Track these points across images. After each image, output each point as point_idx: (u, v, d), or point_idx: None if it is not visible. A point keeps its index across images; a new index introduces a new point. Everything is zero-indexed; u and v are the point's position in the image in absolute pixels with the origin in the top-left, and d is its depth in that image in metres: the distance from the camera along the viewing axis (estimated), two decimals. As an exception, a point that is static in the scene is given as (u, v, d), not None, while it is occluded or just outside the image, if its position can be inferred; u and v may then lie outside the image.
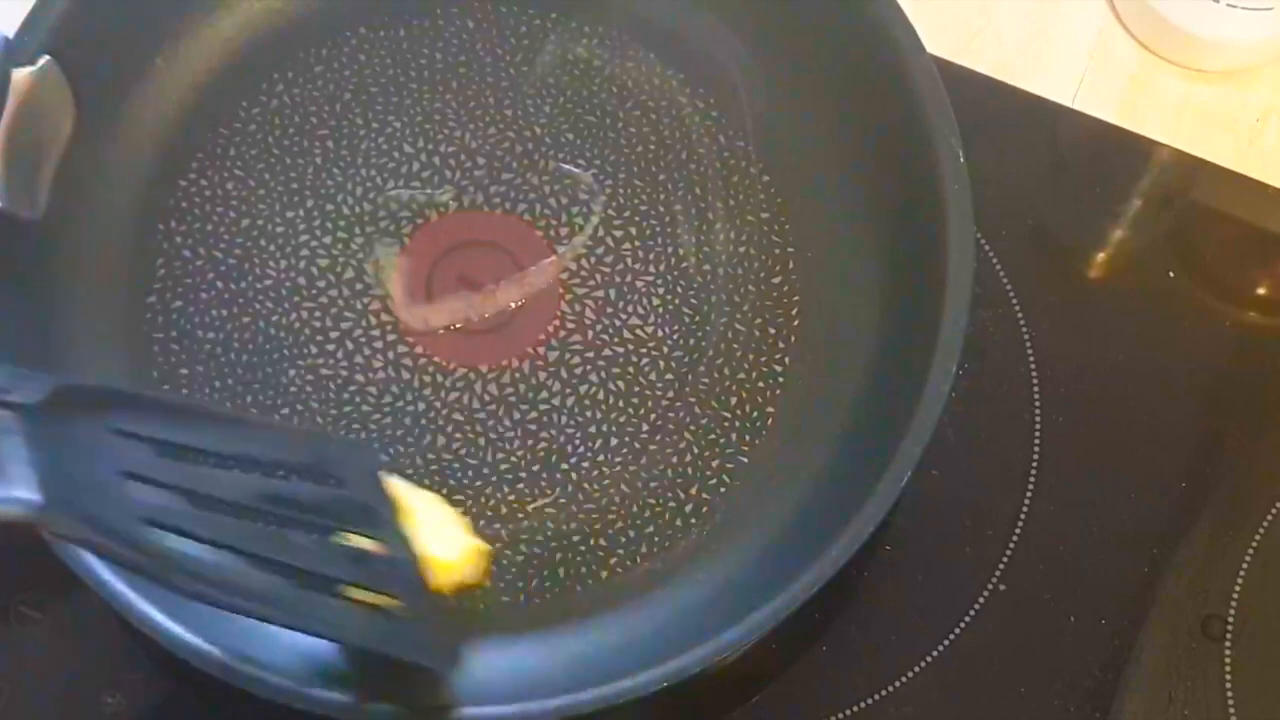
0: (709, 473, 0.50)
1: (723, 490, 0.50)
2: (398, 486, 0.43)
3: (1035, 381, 0.54)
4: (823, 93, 0.52)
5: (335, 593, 0.40)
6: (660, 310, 0.52)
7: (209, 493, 0.38)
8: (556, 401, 0.51)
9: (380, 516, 0.41)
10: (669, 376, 0.51)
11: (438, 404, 0.51)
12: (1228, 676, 0.50)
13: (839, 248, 0.52)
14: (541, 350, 0.51)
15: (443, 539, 0.45)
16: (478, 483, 0.50)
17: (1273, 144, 0.59)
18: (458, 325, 0.52)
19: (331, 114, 0.54)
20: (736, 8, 0.54)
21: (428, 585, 0.43)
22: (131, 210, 0.52)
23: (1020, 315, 0.55)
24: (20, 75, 0.46)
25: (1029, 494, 0.52)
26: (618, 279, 0.52)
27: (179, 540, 0.37)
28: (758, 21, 0.53)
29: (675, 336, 0.52)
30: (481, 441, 0.50)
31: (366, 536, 0.41)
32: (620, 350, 0.52)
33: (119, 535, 0.36)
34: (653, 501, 0.50)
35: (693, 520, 0.50)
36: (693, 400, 0.51)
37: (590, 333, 0.52)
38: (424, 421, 0.51)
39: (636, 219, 0.53)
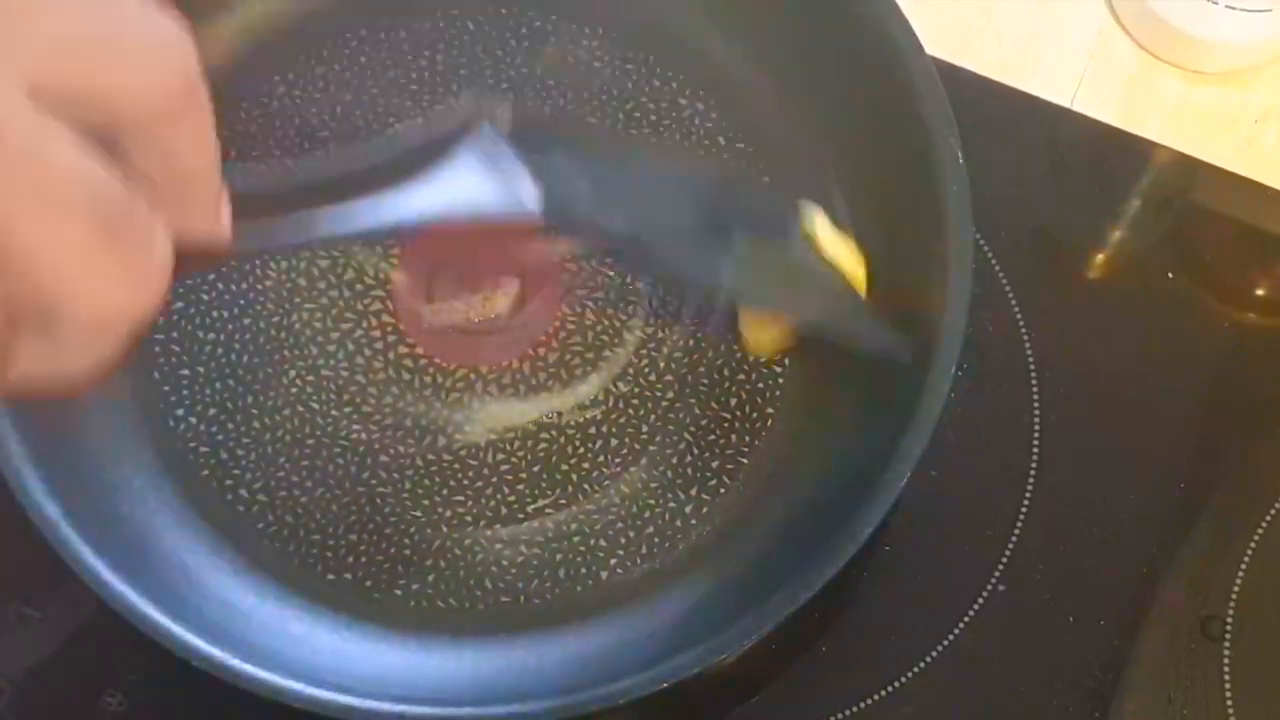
0: (709, 473, 0.50)
1: (722, 491, 0.50)
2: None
3: (1035, 381, 0.54)
4: (822, 94, 0.52)
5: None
6: (660, 311, 0.52)
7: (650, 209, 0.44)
8: (557, 402, 0.51)
9: (791, 231, 0.47)
10: (669, 377, 0.51)
11: (438, 404, 0.51)
12: (1227, 677, 0.50)
13: (839, 248, 0.52)
14: (542, 351, 0.52)
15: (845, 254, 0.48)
16: (478, 483, 0.50)
17: (1272, 145, 0.59)
18: (458, 326, 0.52)
19: (332, 116, 0.54)
20: (736, 10, 0.54)
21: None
22: (132, 211, 0.52)
23: (1020, 315, 0.55)
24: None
25: (1029, 494, 0.52)
26: (618, 280, 0.52)
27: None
28: (757, 23, 0.53)
29: (675, 337, 0.52)
30: (482, 442, 0.50)
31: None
32: (620, 351, 0.52)
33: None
34: (652, 502, 0.50)
35: (693, 520, 0.50)
36: (693, 400, 0.51)
37: (590, 334, 0.52)
38: (424, 422, 0.51)
39: (636, 220, 0.53)
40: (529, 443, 0.51)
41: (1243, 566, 0.51)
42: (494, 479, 0.50)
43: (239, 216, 0.32)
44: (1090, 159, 0.60)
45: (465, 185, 0.39)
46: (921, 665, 0.50)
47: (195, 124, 0.28)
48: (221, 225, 0.30)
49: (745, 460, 0.50)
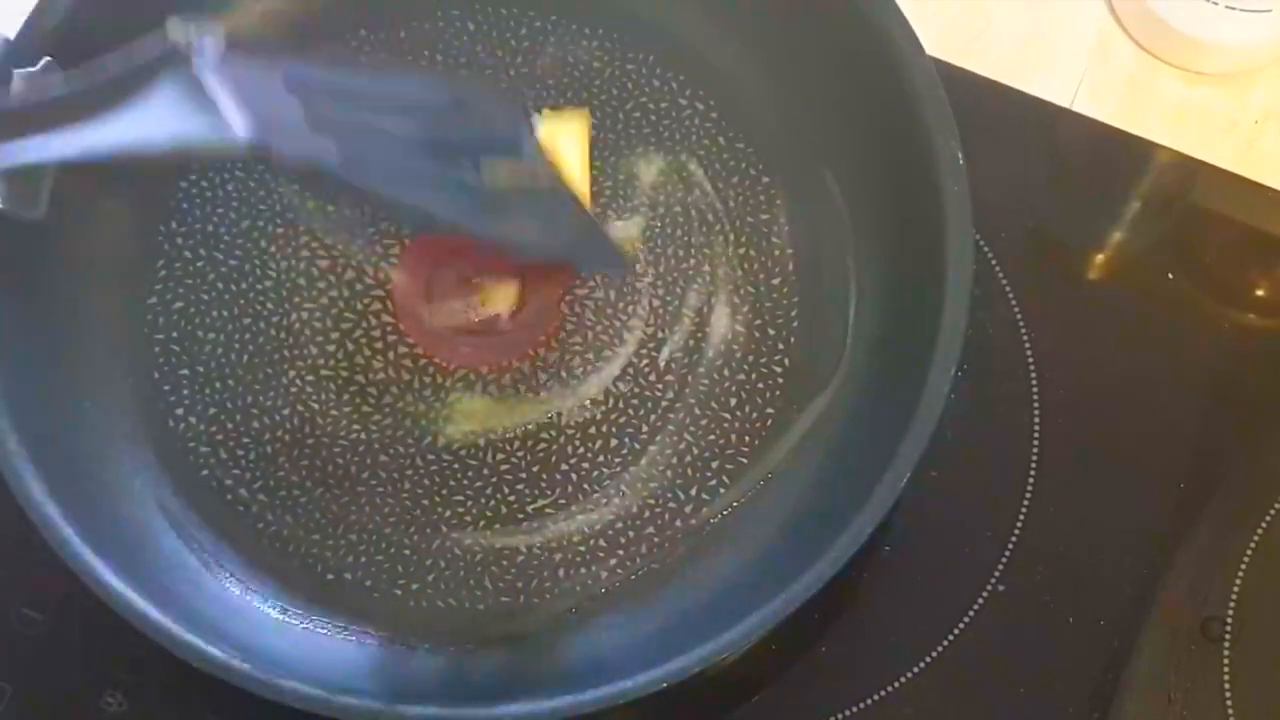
0: (709, 473, 0.50)
1: (723, 490, 0.50)
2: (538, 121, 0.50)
3: (1035, 382, 0.54)
4: (823, 94, 0.52)
5: (508, 215, 0.45)
6: (660, 311, 0.52)
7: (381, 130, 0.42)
8: (557, 402, 0.51)
9: (525, 147, 0.47)
10: (669, 377, 0.51)
11: (438, 404, 0.51)
12: (1226, 678, 0.50)
13: (839, 248, 0.52)
14: (541, 351, 0.52)
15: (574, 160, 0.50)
16: (478, 483, 0.50)
17: (1272, 146, 0.59)
18: (458, 326, 0.52)
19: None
20: (737, 9, 0.54)
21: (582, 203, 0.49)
22: (133, 211, 0.52)
23: (1020, 316, 0.55)
24: (21, 76, 0.46)
25: (1029, 494, 0.52)
26: (618, 280, 0.52)
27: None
28: (758, 23, 0.53)
29: (675, 337, 0.52)
30: (481, 442, 0.51)
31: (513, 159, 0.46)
32: (620, 351, 0.52)
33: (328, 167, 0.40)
34: (652, 502, 0.50)
35: (693, 521, 0.50)
36: (693, 401, 0.51)
37: (590, 333, 0.52)
38: (424, 422, 0.51)
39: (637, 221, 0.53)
40: (529, 443, 0.51)
41: (1243, 567, 0.51)
42: (494, 479, 0.50)
43: None
44: (1090, 159, 0.60)
45: (162, 116, 0.37)
46: (921, 665, 0.50)
47: None
48: None
49: (745, 460, 0.50)
